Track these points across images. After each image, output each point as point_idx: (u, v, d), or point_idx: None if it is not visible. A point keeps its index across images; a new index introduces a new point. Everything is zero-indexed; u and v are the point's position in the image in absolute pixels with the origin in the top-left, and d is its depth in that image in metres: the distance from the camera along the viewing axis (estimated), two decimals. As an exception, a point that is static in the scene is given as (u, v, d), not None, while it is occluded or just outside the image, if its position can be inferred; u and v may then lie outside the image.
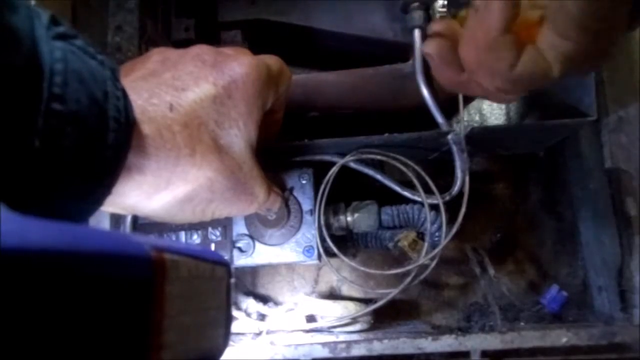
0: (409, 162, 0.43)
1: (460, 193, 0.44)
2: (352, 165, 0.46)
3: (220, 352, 0.21)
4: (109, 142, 0.23)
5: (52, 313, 0.12)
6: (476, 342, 0.38)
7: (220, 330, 0.20)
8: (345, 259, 0.43)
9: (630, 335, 0.38)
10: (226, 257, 0.42)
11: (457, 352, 0.38)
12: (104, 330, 0.13)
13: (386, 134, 0.42)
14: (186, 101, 0.29)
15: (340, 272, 0.47)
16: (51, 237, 0.11)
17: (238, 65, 0.32)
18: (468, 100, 0.49)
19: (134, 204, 0.29)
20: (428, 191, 0.45)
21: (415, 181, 0.45)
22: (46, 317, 0.11)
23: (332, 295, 0.54)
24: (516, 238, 0.57)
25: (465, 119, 0.53)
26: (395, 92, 0.47)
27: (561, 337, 0.38)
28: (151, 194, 0.28)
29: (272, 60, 0.35)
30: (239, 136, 0.31)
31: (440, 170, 0.48)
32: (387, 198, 0.48)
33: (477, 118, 0.54)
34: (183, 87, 0.30)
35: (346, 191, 0.48)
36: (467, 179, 0.43)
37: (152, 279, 0.15)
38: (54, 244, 0.11)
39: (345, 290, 0.54)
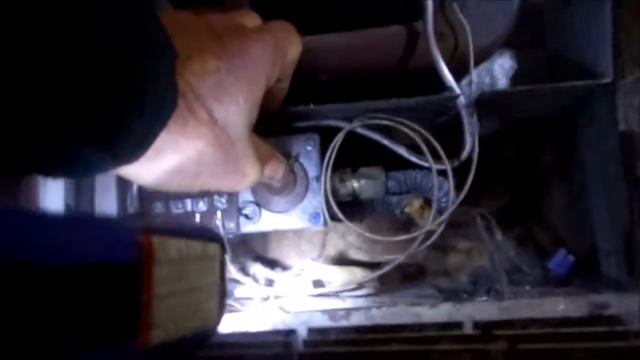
0: (417, 127, 0.42)
1: (469, 158, 0.43)
2: (359, 130, 0.45)
3: (215, 327, 0.21)
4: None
5: (38, 299, 0.11)
6: (473, 310, 0.38)
7: (213, 305, 0.20)
8: (352, 226, 0.43)
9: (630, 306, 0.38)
10: (232, 224, 0.42)
11: (450, 323, 0.38)
12: (92, 312, 0.13)
13: (393, 99, 0.40)
14: (188, 71, 0.28)
15: (347, 238, 0.47)
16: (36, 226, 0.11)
17: (247, 41, 0.31)
18: (478, 61, 0.48)
19: (125, 172, 0.28)
20: (436, 156, 0.44)
21: (423, 146, 0.44)
22: (33, 303, 0.11)
23: (340, 259, 0.55)
24: (525, 202, 0.56)
25: (475, 81, 0.52)
26: (405, 54, 0.46)
27: (558, 304, 0.38)
28: (142, 163, 0.28)
29: (281, 31, 0.34)
30: (237, 112, 0.30)
31: (448, 133, 0.47)
32: (395, 163, 0.47)
33: (487, 80, 0.52)
34: (187, 56, 0.29)
35: (353, 156, 0.47)
36: (476, 143, 0.42)
37: (139, 263, 0.15)
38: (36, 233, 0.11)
39: (353, 253, 0.54)
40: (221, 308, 0.21)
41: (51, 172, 0.23)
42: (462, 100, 0.41)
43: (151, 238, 0.15)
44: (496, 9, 0.45)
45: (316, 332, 0.39)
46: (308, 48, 0.46)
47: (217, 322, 0.21)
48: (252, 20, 0.36)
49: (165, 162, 0.28)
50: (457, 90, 0.41)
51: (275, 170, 0.38)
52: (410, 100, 0.40)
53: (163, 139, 0.27)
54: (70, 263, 0.12)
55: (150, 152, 0.27)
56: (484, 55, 0.47)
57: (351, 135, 0.45)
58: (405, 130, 0.42)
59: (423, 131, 0.42)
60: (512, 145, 0.59)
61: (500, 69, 0.53)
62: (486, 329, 0.38)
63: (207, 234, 0.21)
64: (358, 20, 0.47)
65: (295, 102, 0.48)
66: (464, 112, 0.41)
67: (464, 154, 0.42)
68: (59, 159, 0.22)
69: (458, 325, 0.38)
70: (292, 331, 0.39)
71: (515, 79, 0.53)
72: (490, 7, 0.45)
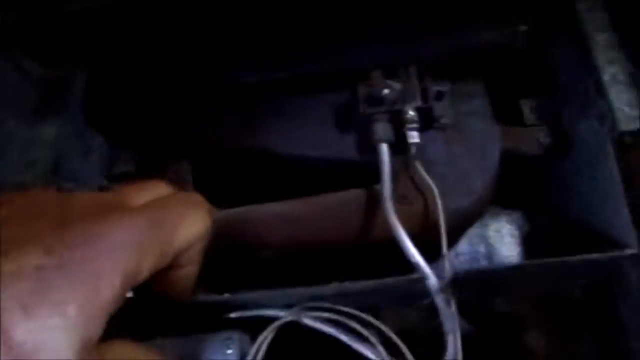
0: (372, 320, 0.31)
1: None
2: (307, 321, 0.34)
3: None
4: None
5: None
6: None
7: None
8: None
9: None
10: None
11: None
12: None
13: (334, 283, 0.30)
14: None
15: None
16: None
17: (100, 227, 0.23)
18: (459, 227, 0.38)
19: None
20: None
21: (400, 344, 0.32)
22: None
23: None
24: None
25: (464, 252, 0.41)
26: (366, 223, 0.37)
27: None
28: None
29: (172, 209, 0.27)
30: (59, 328, 0.20)
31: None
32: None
33: (481, 249, 0.42)
34: (4, 251, 0.21)
35: (305, 353, 0.35)
36: (459, 344, 0.30)
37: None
38: None
39: None
40: None
41: None
42: (432, 283, 0.30)
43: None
44: (471, 166, 0.36)
45: None
46: (249, 219, 0.39)
47: None
48: (151, 192, 0.29)
49: None
50: (425, 270, 0.30)
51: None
52: (356, 285, 0.30)
53: None
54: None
55: None
56: (464, 221, 0.37)
57: (300, 327, 0.34)
58: (354, 325, 0.31)
59: (382, 327, 0.31)
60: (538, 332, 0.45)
61: (497, 235, 0.42)
62: None
63: None
64: (318, 187, 0.40)
65: (232, 285, 0.38)
66: (438, 301, 0.30)
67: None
68: None
69: None
70: None
71: (521, 246, 0.42)
72: (463, 164, 0.37)
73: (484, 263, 0.41)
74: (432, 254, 0.33)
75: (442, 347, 0.31)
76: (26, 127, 0.38)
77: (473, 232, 0.42)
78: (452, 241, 0.42)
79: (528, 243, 0.41)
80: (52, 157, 0.38)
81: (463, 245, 0.42)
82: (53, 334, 0.20)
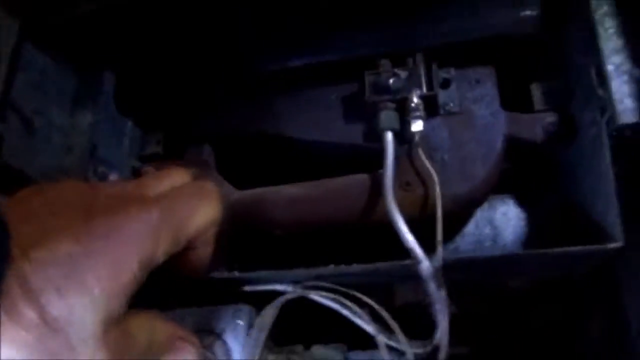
0: (369, 301, 0.33)
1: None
2: (313, 296, 0.37)
3: None
4: None
5: None
6: None
7: None
8: None
9: None
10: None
11: None
12: None
13: (331, 266, 0.33)
14: (29, 260, 0.24)
15: None
16: None
17: (119, 218, 0.27)
18: (459, 213, 0.39)
19: None
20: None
21: (393, 323, 0.35)
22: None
23: None
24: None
25: (471, 233, 0.43)
26: (369, 206, 0.39)
27: None
28: None
29: (185, 198, 0.30)
30: (86, 307, 0.24)
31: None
32: (362, 339, 0.37)
33: (487, 231, 0.43)
34: (35, 241, 0.25)
35: (308, 328, 0.39)
36: (445, 326, 0.32)
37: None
38: None
39: None
40: None
41: None
42: (425, 268, 0.32)
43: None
44: (473, 153, 0.37)
45: None
46: (261, 200, 0.42)
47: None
48: (169, 182, 0.32)
49: None
50: (419, 255, 0.32)
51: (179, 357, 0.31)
52: (355, 268, 0.33)
53: None
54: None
55: None
56: (464, 206, 0.38)
57: (305, 303, 0.37)
58: (353, 308, 0.34)
59: (376, 306, 0.33)
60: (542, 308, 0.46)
61: (503, 218, 0.43)
62: None
63: None
64: (321, 168, 0.42)
65: (246, 261, 0.42)
66: (430, 285, 0.32)
67: (434, 341, 0.32)
68: None
69: None
70: None
71: (526, 230, 0.43)
72: (466, 150, 0.37)
73: (488, 245, 0.42)
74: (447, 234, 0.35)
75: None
76: (65, 116, 0.43)
77: (480, 214, 0.43)
78: (459, 225, 0.43)
79: (533, 228, 0.41)
80: (88, 143, 0.43)
81: (470, 226, 0.43)
82: (81, 311, 0.24)
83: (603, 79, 0.32)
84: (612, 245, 0.28)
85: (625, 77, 0.31)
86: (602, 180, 0.30)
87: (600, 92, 0.32)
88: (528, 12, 0.37)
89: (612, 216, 0.29)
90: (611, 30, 0.33)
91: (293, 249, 0.42)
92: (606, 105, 0.31)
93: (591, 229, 0.33)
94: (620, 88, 0.31)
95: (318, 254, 0.39)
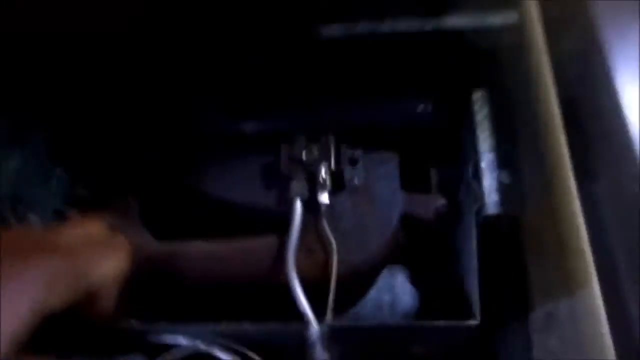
0: (258, 360, 0.36)
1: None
2: (212, 352, 0.39)
3: None
4: None
5: None
6: None
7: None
8: None
9: None
10: None
11: None
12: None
13: (231, 323, 0.35)
14: None
15: None
16: None
17: (16, 264, 0.28)
18: (358, 279, 0.43)
19: None
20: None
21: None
22: None
23: None
24: None
25: (372, 299, 0.46)
26: (272, 267, 0.42)
27: None
28: None
29: (94, 249, 0.32)
30: None
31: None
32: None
33: (387, 298, 0.46)
34: None
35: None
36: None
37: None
38: None
39: None
40: None
41: None
42: (313, 331, 0.35)
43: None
44: (372, 225, 0.41)
45: None
46: (173, 253, 0.44)
47: None
48: (83, 231, 0.34)
49: None
50: (310, 318, 0.35)
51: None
52: (251, 328, 0.35)
53: None
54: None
55: None
56: (361, 273, 0.42)
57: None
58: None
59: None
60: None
61: (403, 285, 0.47)
62: None
63: None
64: (239, 226, 0.45)
65: (164, 312, 0.43)
66: (315, 348, 0.35)
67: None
68: None
69: None
70: None
71: (421, 299, 0.47)
72: (365, 223, 0.42)
73: (387, 311, 0.46)
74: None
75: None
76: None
77: (382, 281, 0.47)
78: (360, 291, 0.47)
79: (426, 298, 0.45)
80: (11, 182, 0.44)
81: (372, 292, 0.47)
82: None
83: (477, 174, 0.37)
84: (468, 322, 0.32)
85: (495, 174, 0.37)
86: (471, 261, 0.35)
87: (474, 185, 0.37)
88: (425, 105, 0.43)
89: (474, 295, 0.33)
90: (487, 133, 0.39)
91: (206, 302, 0.43)
92: (477, 196, 0.36)
93: (464, 305, 0.37)
94: (490, 183, 0.37)
95: (232, 308, 0.41)
